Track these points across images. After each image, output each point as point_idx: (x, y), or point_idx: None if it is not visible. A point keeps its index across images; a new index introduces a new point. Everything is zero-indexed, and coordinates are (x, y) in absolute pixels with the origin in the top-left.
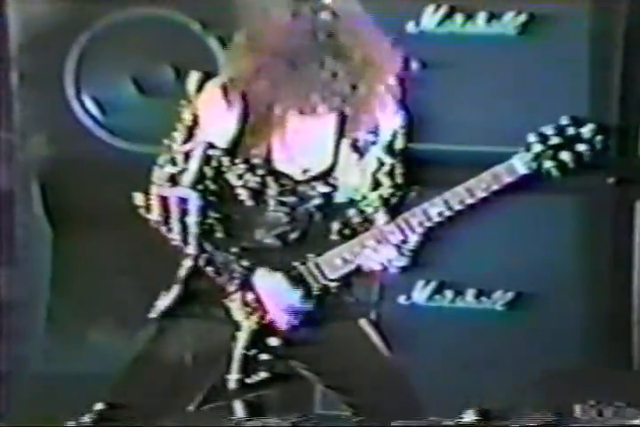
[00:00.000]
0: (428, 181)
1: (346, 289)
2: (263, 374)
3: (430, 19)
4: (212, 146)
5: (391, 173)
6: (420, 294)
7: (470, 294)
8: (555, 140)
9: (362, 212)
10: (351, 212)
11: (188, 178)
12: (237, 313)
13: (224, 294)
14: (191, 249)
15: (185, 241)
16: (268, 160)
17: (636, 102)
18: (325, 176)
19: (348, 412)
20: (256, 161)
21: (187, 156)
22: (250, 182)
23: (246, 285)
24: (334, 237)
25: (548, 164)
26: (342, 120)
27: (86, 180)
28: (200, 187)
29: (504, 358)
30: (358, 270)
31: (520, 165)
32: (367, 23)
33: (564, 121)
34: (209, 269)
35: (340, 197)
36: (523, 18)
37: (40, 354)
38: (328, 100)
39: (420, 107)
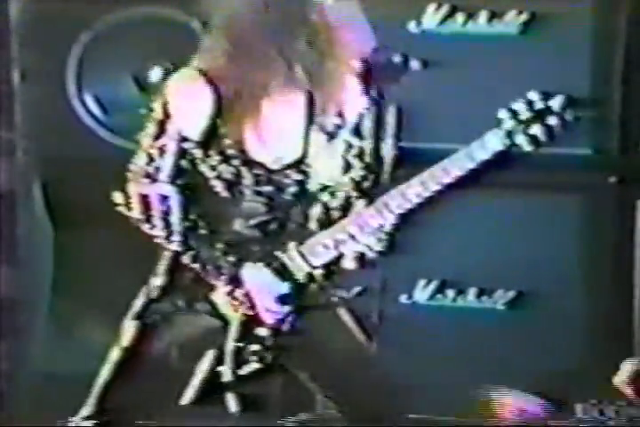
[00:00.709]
0: None
1: (328, 277)
2: (255, 365)
3: (431, 18)
4: (185, 139)
5: (360, 156)
6: (422, 293)
7: (472, 293)
8: (525, 115)
9: (337, 197)
10: (327, 198)
11: (165, 173)
12: (224, 307)
13: (209, 288)
14: (175, 246)
15: (169, 238)
16: (241, 150)
17: (639, 102)
18: (298, 164)
19: (333, 409)
20: (230, 152)
21: (161, 151)
22: (224, 173)
23: (234, 280)
24: (313, 224)
25: (519, 138)
26: (310, 104)
27: (88, 179)
28: (179, 182)
29: (505, 358)
30: (340, 257)
31: (493, 141)
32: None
33: (533, 96)
34: (195, 265)
35: (314, 184)
36: (524, 17)
37: (41, 353)
38: (294, 81)
39: (421, 106)
